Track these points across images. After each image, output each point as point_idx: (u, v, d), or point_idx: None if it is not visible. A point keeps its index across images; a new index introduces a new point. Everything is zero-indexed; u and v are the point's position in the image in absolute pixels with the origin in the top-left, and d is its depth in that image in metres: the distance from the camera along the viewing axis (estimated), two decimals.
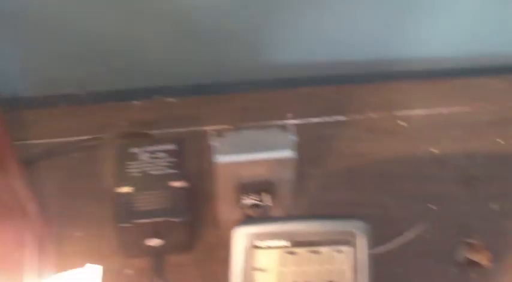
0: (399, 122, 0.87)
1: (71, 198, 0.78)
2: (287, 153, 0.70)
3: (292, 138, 0.69)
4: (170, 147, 0.74)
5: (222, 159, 0.69)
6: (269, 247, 0.55)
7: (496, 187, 0.81)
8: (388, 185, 0.80)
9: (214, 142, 0.70)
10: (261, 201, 0.70)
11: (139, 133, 0.77)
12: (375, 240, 0.74)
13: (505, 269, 0.74)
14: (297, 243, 0.56)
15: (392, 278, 0.72)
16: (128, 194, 0.70)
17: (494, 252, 0.74)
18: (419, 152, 0.84)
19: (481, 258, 0.74)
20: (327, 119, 0.86)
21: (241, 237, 0.55)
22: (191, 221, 0.71)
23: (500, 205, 0.79)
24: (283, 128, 0.70)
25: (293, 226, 0.56)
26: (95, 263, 0.73)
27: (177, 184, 0.71)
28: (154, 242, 0.71)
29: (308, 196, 0.79)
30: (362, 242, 0.57)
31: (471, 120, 0.87)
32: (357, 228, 0.57)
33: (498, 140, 0.85)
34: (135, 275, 0.72)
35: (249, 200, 0.69)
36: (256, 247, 0.55)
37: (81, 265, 0.72)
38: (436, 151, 0.84)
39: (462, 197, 0.80)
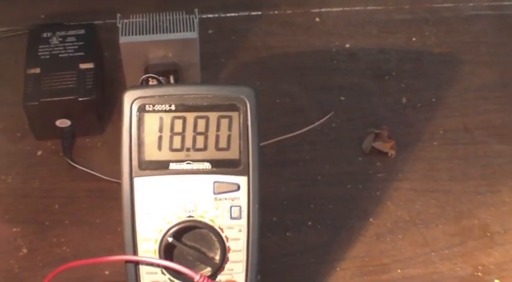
0: (314, 18, 0.88)
1: None
2: (191, 35, 0.72)
3: (196, 21, 0.71)
4: (81, 32, 0.76)
5: (126, 39, 0.71)
6: (156, 111, 0.57)
7: (405, 82, 0.82)
8: (298, 77, 0.82)
9: (120, 24, 0.72)
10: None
11: (55, 24, 0.78)
12: (283, 129, 0.77)
13: (408, 157, 0.76)
14: (185, 108, 0.57)
15: (298, 163, 0.75)
16: (36, 74, 0.72)
17: (399, 142, 0.76)
18: (332, 47, 0.85)
19: (386, 147, 0.76)
20: (242, 13, 0.88)
21: (129, 99, 0.56)
22: (98, 101, 0.73)
23: (408, 99, 0.81)
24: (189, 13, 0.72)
25: (181, 90, 0.57)
26: (7, 146, 0.75)
27: (84, 66, 0.73)
28: (63, 122, 0.73)
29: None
30: (249, 108, 0.56)
31: (386, 18, 0.88)
32: (244, 95, 0.56)
33: (412, 38, 0.87)
34: (47, 156, 0.74)
35: (153, 81, 0.71)
36: (145, 110, 0.57)
37: None
38: (349, 46, 0.85)
39: (372, 89, 0.81)
